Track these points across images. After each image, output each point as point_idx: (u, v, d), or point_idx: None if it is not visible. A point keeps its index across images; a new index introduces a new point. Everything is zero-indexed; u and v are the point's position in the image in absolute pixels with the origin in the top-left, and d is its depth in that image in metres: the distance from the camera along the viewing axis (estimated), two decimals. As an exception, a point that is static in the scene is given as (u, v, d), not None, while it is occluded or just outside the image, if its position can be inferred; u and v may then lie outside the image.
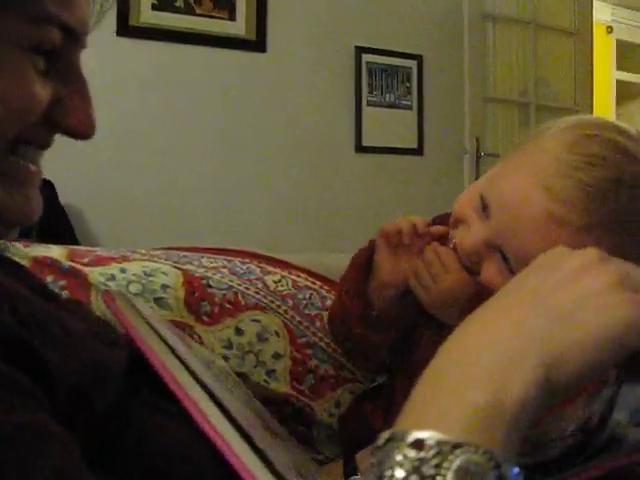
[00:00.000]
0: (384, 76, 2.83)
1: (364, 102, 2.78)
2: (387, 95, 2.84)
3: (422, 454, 0.36)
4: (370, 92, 2.79)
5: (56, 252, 0.94)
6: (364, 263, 0.85)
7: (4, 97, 0.46)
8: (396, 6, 2.86)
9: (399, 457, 0.36)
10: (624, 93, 5.70)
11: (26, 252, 0.75)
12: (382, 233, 0.82)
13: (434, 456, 0.35)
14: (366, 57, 2.77)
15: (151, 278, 0.97)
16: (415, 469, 0.35)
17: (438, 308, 0.80)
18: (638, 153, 0.69)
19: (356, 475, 0.81)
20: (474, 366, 0.41)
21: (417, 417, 0.39)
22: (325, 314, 1.07)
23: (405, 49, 2.87)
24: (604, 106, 5.24)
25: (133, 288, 0.94)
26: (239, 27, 2.51)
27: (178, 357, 0.55)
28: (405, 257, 0.82)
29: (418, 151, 2.89)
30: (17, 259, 0.67)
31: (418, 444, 0.36)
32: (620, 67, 5.60)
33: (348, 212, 2.73)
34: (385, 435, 0.37)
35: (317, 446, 0.99)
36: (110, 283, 0.93)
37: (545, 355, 0.41)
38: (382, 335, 0.85)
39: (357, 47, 2.76)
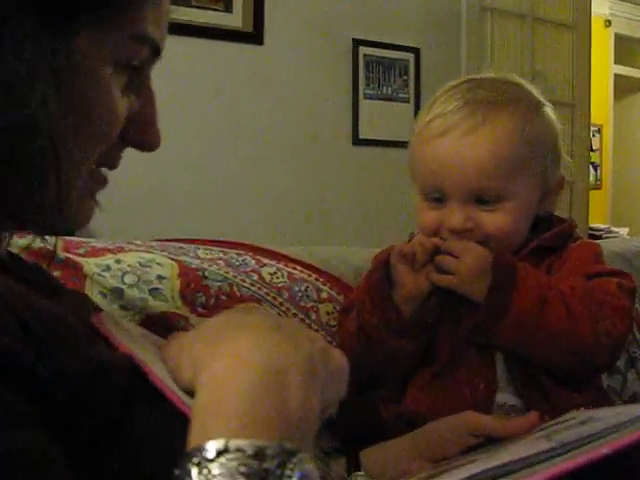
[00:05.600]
0: (381, 69, 2.82)
1: (361, 95, 2.77)
2: (384, 88, 2.83)
3: (266, 465, 0.36)
4: (367, 85, 2.79)
5: (51, 243, 0.94)
6: (383, 286, 0.91)
7: (93, 114, 0.50)
8: (394, -1, 2.85)
9: (243, 469, 0.36)
10: (622, 87, 5.70)
11: (21, 243, 0.75)
12: (400, 254, 0.90)
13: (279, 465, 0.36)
14: (363, 50, 2.77)
15: (146, 269, 0.97)
16: None
17: (469, 285, 0.87)
18: None
19: (359, 472, 0.81)
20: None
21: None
22: (321, 306, 1.07)
23: (402, 42, 2.86)
24: (602, 100, 5.24)
25: (128, 279, 0.94)
26: (236, 19, 2.50)
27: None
28: (421, 267, 0.90)
29: (415, 144, 2.89)
30: (12, 250, 0.67)
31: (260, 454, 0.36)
32: (618, 61, 5.59)
33: (345, 205, 2.73)
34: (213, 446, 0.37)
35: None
36: (105, 274, 0.93)
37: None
38: (415, 341, 0.90)
39: (354, 40, 2.75)
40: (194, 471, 0.36)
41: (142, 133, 0.57)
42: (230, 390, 0.41)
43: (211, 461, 0.36)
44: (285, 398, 0.41)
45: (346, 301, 1.04)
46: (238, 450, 0.36)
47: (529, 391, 0.86)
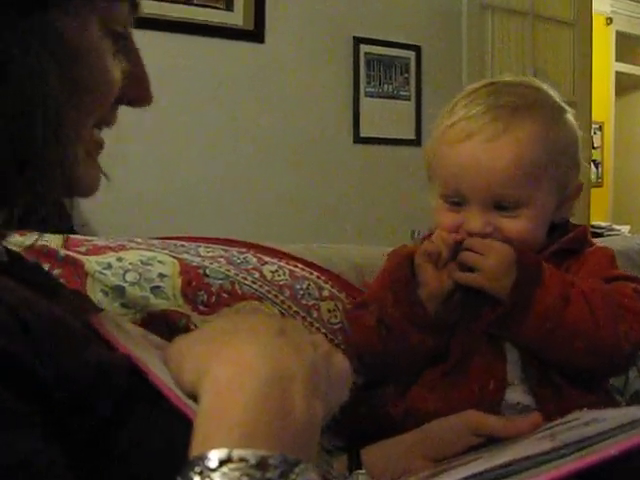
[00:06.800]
0: (382, 67, 2.82)
1: (362, 93, 2.77)
2: (385, 86, 2.83)
3: (268, 475, 0.36)
4: (368, 83, 2.78)
5: (52, 241, 0.94)
6: (409, 284, 0.91)
7: (89, 83, 0.50)
8: (394, -4, 2.85)
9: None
10: (623, 84, 5.69)
11: (22, 241, 0.75)
12: (426, 253, 0.90)
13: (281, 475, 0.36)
14: (364, 48, 2.76)
15: (148, 267, 0.96)
16: None
17: (494, 282, 0.87)
18: None
19: (361, 470, 0.80)
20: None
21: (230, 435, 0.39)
22: (322, 304, 1.06)
23: (403, 40, 2.86)
24: (603, 98, 5.23)
25: (130, 277, 0.94)
26: (237, 17, 2.49)
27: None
28: (443, 266, 0.90)
29: (416, 142, 2.88)
30: (13, 248, 0.67)
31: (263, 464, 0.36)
32: (619, 58, 5.59)
33: (346, 203, 2.73)
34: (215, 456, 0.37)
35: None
36: (106, 272, 0.93)
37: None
38: (436, 337, 0.90)
39: (355, 38, 2.75)
40: None
41: (135, 90, 0.57)
42: (234, 398, 0.41)
43: (213, 470, 0.36)
44: (288, 406, 0.41)
45: (359, 298, 1.03)
46: (241, 460, 0.36)
47: (542, 388, 0.86)
